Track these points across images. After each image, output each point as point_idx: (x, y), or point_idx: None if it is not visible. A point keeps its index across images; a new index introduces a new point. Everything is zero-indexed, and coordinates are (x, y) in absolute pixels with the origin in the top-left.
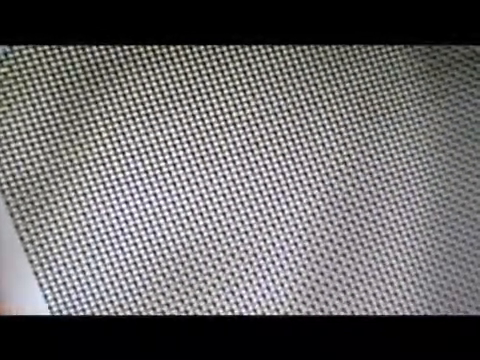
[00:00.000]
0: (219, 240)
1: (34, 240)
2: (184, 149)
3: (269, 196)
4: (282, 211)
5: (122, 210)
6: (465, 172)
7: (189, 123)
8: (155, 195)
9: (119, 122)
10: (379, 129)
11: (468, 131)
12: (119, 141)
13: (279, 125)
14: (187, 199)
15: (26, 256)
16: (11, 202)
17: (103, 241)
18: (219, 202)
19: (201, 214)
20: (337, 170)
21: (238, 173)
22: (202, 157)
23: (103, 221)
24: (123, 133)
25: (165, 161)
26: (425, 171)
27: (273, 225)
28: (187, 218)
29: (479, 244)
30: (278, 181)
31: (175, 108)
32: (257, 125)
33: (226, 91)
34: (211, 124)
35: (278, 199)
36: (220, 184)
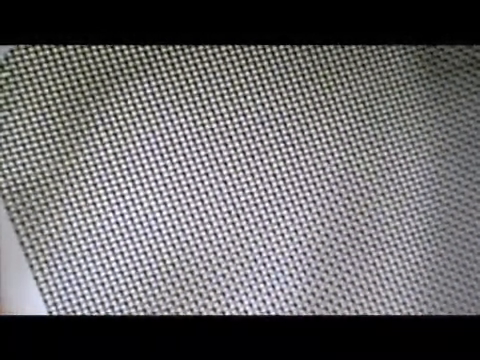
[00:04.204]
0: (220, 244)
1: (34, 245)
2: (185, 153)
3: (271, 199)
4: (284, 213)
5: (122, 214)
6: (466, 178)
7: (190, 128)
8: (156, 199)
9: (120, 127)
10: (380, 134)
11: (468, 137)
12: (120, 146)
13: (280, 129)
14: (188, 203)
15: (26, 261)
16: (11, 207)
17: (103, 246)
18: (220, 206)
19: (202, 218)
20: (338, 175)
21: (240, 176)
22: (203, 161)
23: (103, 226)
24: (124, 138)
25: (166, 166)
26: (425, 176)
27: (276, 227)
28: (188, 221)
29: (479, 249)
30: (280, 184)
31: (176, 113)
32: (258, 129)
33: (227, 94)
34: (212, 128)
35: (280, 202)
36: (222, 187)
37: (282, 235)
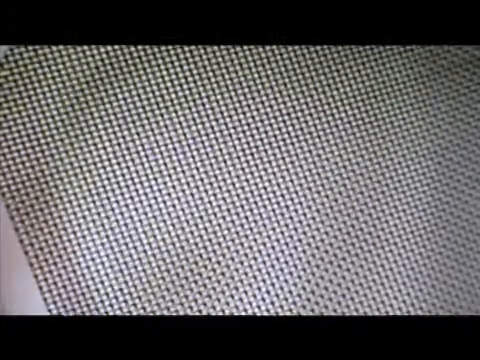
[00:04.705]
0: (220, 242)
1: (34, 243)
2: (185, 151)
3: (271, 197)
4: (284, 211)
5: (122, 213)
6: (465, 176)
7: (189, 126)
8: (155, 197)
9: (119, 125)
10: (379, 132)
11: (468, 135)
12: (119, 144)
13: (279, 128)
14: (187, 201)
15: (26, 259)
16: (11, 205)
17: (103, 244)
18: (220, 204)
19: (202, 216)
20: (337, 173)
21: (239, 175)
22: (202, 159)
23: (103, 224)
24: (123, 136)
25: (165, 164)
26: (425, 174)
27: (275, 225)
28: (188, 220)
29: (478, 248)
30: (279, 182)
31: (175, 111)
32: (257, 128)
33: (226, 93)
34: (211, 127)
35: (279, 200)
36: (222, 185)
37: (282, 233)
